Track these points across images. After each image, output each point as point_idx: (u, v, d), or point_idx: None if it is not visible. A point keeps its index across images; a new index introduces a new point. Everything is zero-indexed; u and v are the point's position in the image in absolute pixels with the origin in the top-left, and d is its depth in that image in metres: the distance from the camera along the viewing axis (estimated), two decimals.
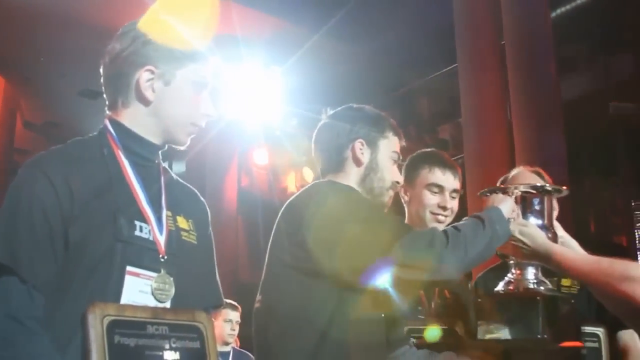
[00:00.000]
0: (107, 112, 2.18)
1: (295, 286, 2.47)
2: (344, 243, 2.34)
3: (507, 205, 2.51)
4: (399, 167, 2.77)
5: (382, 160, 2.68)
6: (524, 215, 2.54)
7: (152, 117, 2.10)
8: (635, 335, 3.35)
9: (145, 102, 2.10)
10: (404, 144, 2.80)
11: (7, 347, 1.77)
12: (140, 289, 1.93)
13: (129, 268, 1.93)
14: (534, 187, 2.63)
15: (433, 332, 2.78)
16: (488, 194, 2.64)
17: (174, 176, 2.26)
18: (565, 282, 3.42)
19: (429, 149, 3.38)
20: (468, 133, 9.70)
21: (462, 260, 2.34)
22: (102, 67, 2.20)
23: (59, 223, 1.89)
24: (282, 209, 2.64)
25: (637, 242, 6.88)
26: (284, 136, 13.54)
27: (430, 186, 3.10)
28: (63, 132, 17.37)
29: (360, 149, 2.69)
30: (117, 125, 2.11)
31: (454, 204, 3.15)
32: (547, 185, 2.69)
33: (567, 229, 8.22)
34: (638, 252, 6.89)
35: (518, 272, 2.56)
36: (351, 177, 2.68)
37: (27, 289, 1.83)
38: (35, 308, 1.82)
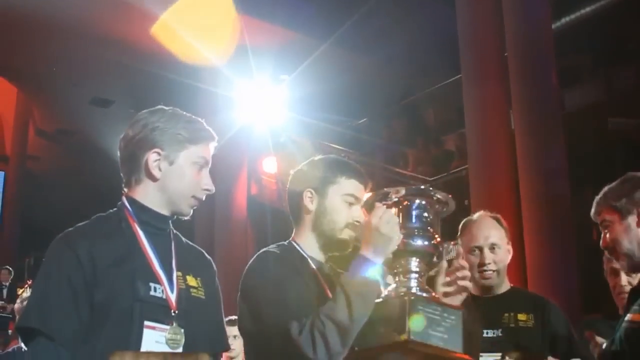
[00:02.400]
0: (124, 189, 2.53)
1: None
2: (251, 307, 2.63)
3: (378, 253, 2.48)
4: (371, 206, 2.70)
5: (330, 204, 2.74)
6: (405, 220, 2.48)
7: (159, 191, 2.46)
8: None
9: (153, 179, 2.46)
10: (365, 186, 2.80)
11: None
12: (156, 340, 2.28)
13: (146, 322, 2.29)
14: (417, 190, 2.55)
15: None
16: (369, 199, 2.64)
17: (184, 240, 2.60)
18: (521, 316, 3.58)
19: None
20: (472, 143, 9.84)
21: (343, 352, 2.43)
22: (118, 150, 2.55)
23: (83, 289, 2.24)
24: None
25: None
26: (292, 145, 13.70)
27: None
28: (74, 139, 17.65)
29: (310, 198, 2.79)
30: (132, 201, 2.47)
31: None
32: (431, 190, 2.56)
33: (569, 236, 8.32)
34: None
35: (402, 279, 2.51)
36: (307, 225, 2.81)
37: (55, 346, 2.20)
38: None
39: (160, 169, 2.46)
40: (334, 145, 14.16)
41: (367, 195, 2.72)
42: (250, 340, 2.71)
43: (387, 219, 2.44)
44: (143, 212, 2.47)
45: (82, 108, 16.44)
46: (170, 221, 2.55)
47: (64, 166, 18.19)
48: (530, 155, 9.00)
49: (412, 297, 2.36)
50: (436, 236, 2.51)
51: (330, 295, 2.57)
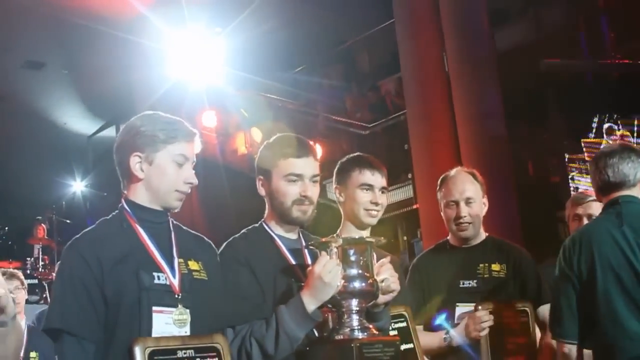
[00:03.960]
0: (123, 191, 2.83)
1: None
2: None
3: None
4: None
5: (275, 186, 3.03)
6: (344, 263, 2.72)
7: (146, 190, 2.75)
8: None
9: (138, 179, 2.75)
10: (296, 167, 3.05)
11: None
12: (165, 322, 2.59)
13: (154, 308, 2.59)
14: (353, 239, 2.83)
15: None
16: (313, 247, 2.88)
17: (184, 228, 2.91)
18: (495, 267, 3.82)
19: (356, 154, 3.65)
20: (408, 88, 10.00)
21: None
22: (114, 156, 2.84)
23: (95, 288, 2.56)
24: None
25: (569, 182, 7.31)
26: (230, 98, 13.69)
27: (362, 186, 3.42)
28: (7, 104, 17.35)
29: (261, 184, 3.11)
30: (128, 202, 2.78)
31: (383, 200, 3.50)
32: (367, 237, 2.91)
33: (508, 171, 8.57)
34: (570, 189, 7.30)
35: (345, 319, 2.74)
36: (268, 209, 3.13)
37: (78, 341, 2.52)
38: (85, 356, 2.53)
39: (142, 170, 2.74)
40: (272, 96, 14.20)
41: (312, 241, 2.93)
42: None
43: (330, 268, 2.68)
44: (139, 211, 2.75)
45: (14, 72, 16.13)
46: (167, 214, 2.79)
47: None
48: (466, 97, 9.18)
49: (358, 344, 2.62)
50: (373, 276, 2.77)
51: (295, 270, 2.92)
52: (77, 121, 18.99)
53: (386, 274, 2.87)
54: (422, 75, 9.80)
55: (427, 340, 3.63)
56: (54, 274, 11.89)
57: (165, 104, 14.00)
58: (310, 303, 2.69)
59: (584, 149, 7.43)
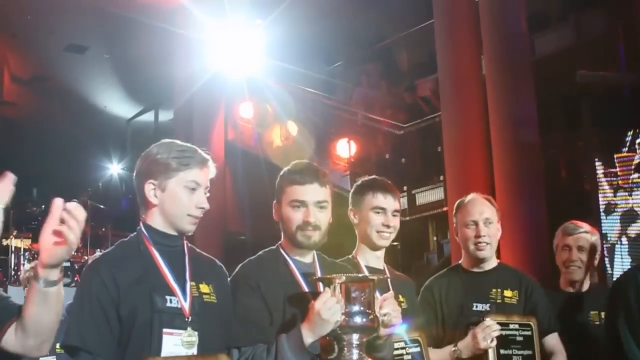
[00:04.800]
0: (141, 215, 2.93)
1: None
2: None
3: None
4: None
5: (284, 213, 3.12)
6: (346, 299, 2.80)
7: (160, 215, 2.86)
8: (558, 337, 3.92)
9: (152, 205, 2.87)
10: (299, 194, 3.12)
11: None
12: (174, 343, 2.72)
13: (165, 329, 2.72)
14: (357, 277, 2.94)
15: None
16: (318, 282, 2.97)
17: (198, 251, 3.02)
18: (507, 293, 3.89)
19: (371, 177, 3.70)
20: (444, 88, 10.02)
21: None
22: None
23: (111, 308, 2.69)
24: None
25: (599, 197, 7.31)
26: (268, 90, 13.79)
27: (375, 209, 3.54)
28: (50, 85, 17.62)
29: (275, 210, 3.21)
30: (146, 225, 2.89)
31: (395, 222, 3.59)
32: (368, 275, 3.05)
33: (539, 178, 8.53)
34: (600, 203, 7.29)
35: (346, 353, 2.83)
36: (283, 233, 3.21)
37: (93, 358, 2.65)
38: None
39: (156, 196, 2.85)
40: (309, 90, 14.27)
41: (315, 277, 3.04)
42: None
43: (329, 306, 2.76)
44: (155, 235, 2.86)
45: (58, 55, 16.41)
46: (181, 238, 2.92)
47: (40, 112, 18.20)
48: (501, 101, 9.17)
49: None
50: (374, 312, 2.86)
51: (305, 295, 3.01)
52: (117, 105, 19.27)
53: (388, 309, 2.96)
54: (458, 77, 9.79)
55: (438, 356, 3.70)
56: (86, 257, 12.14)
57: (205, 94, 14.20)
58: (308, 337, 2.79)
59: (617, 164, 7.40)
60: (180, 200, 2.83)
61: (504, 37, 9.37)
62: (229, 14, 13.38)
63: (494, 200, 4.03)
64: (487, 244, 3.88)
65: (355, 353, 2.80)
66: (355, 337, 2.81)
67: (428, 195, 11.36)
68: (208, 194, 2.89)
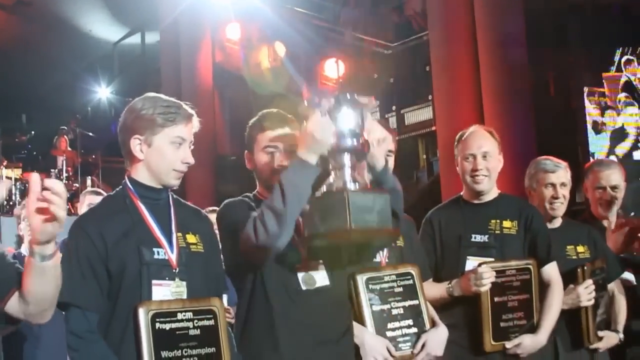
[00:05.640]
0: (126, 168, 2.97)
1: None
2: None
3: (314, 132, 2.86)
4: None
5: (258, 160, 3.16)
6: (336, 123, 2.85)
7: (146, 170, 2.89)
8: (556, 267, 3.95)
9: (138, 160, 2.89)
10: (274, 139, 3.14)
11: (73, 354, 2.71)
12: (163, 294, 2.78)
13: (154, 281, 2.78)
14: (344, 97, 2.91)
15: None
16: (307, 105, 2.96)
17: (183, 202, 3.08)
18: (506, 223, 3.92)
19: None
20: (432, 9, 9.90)
21: (280, 234, 2.82)
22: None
23: (99, 263, 2.75)
24: None
25: (585, 115, 7.28)
26: (255, 10, 13.60)
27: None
28: (34, 10, 17.39)
29: (249, 159, 3.25)
30: (131, 179, 2.94)
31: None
32: (356, 96, 2.94)
33: (527, 97, 8.48)
34: (587, 121, 7.28)
35: (338, 173, 2.91)
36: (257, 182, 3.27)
37: (82, 312, 2.72)
38: (88, 325, 2.72)
39: (142, 152, 2.86)
40: (296, 9, 14.09)
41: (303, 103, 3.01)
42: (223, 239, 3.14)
43: (322, 126, 2.82)
44: (140, 188, 2.91)
45: None
46: (167, 191, 2.96)
47: (25, 38, 17.98)
48: (489, 18, 9.10)
49: (349, 193, 2.80)
50: (363, 134, 2.92)
51: None
52: (103, 28, 19.01)
53: (377, 132, 3.01)
54: None
55: (432, 291, 3.75)
56: (77, 185, 12.17)
57: (190, 14, 14.02)
58: (307, 155, 2.83)
59: (605, 83, 7.36)
60: (166, 155, 2.86)
61: None
62: None
63: (495, 133, 4.02)
64: (485, 176, 3.90)
65: (347, 174, 2.88)
66: (346, 159, 2.88)
67: (417, 115, 11.36)
68: (192, 147, 2.91)
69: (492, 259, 3.79)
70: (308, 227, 2.91)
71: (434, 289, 3.78)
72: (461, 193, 4.10)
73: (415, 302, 3.41)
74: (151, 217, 2.88)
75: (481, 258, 3.82)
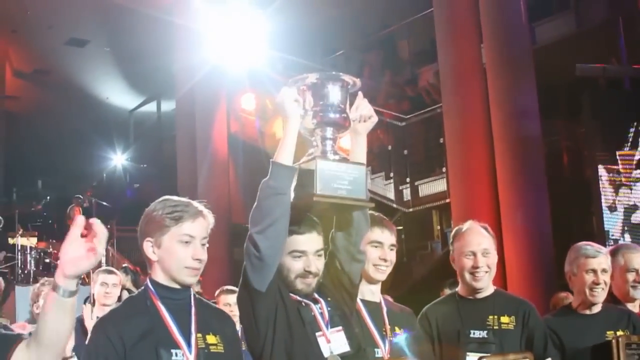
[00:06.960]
0: (148, 271, 3.02)
1: None
2: None
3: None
4: None
5: (285, 261, 3.13)
6: (320, 98, 3.01)
7: (162, 270, 2.94)
8: None
9: (153, 262, 2.95)
10: (301, 244, 3.15)
11: None
12: None
13: None
14: (328, 74, 3.05)
15: None
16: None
17: (205, 301, 3.12)
18: (504, 319, 3.90)
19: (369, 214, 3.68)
20: (445, 81, 10.00)
21: (264, 232, 2.92)
22: None
23: None
24: None
25: (601, 194, 7.25)
26: (270, 81, 13.73)
27: (372, 243, 3.55)
28: (51, 78, 17.68)
29: None
30: (152, 281, 2.98)
31: (392, 256, 3.62)
32: (340, 74, 3.10)
33: (540, 169, 8.48)
34: (601, 199, 7.27)
35: (320, 144, 3.05)
36: None
37: None
38: None
39: (154, 253, 2.92)
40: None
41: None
42: None
43: (288, 95, 2.97)
44: (160, 289, 2.95)
45: (59, 48, 16.45)
46: (187, 290, 2.99)
47: (42, 105, 18.26)
48: (502, 91, 9.18)
49: (318, 161, 2.94)
50: (346, 109, 3.07)
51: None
52: (119, 96, 19.29)
53: (365, 109, 3.13)
54: (459, 68, 9.77)
55: None
56: None
57: (206, 84, 14.17)
58: (281, 152, 2.92)
59: (619, 161, 7.35)
60: (175, 254, 2.89)
61: (504, 27, 9.38)
62: (229, 4, 13.32)
63: (490, 229, 4.03)
64: (486, 272, 3.90)
65: (329, 145, 3.02)
66: (329, 131, 3.03)
67: (431, 187, 11.37)
68: (207, 245, 2.94)
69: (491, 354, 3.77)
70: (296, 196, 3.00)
71: None
72: (457, 289, 4.10)
73: None
74: (171, 318, 2.90)
75: (480, 354, 3.79)
